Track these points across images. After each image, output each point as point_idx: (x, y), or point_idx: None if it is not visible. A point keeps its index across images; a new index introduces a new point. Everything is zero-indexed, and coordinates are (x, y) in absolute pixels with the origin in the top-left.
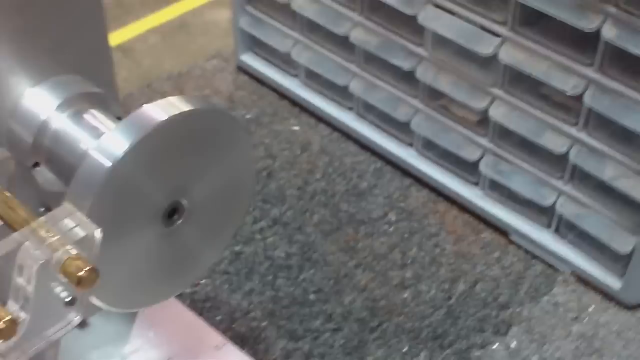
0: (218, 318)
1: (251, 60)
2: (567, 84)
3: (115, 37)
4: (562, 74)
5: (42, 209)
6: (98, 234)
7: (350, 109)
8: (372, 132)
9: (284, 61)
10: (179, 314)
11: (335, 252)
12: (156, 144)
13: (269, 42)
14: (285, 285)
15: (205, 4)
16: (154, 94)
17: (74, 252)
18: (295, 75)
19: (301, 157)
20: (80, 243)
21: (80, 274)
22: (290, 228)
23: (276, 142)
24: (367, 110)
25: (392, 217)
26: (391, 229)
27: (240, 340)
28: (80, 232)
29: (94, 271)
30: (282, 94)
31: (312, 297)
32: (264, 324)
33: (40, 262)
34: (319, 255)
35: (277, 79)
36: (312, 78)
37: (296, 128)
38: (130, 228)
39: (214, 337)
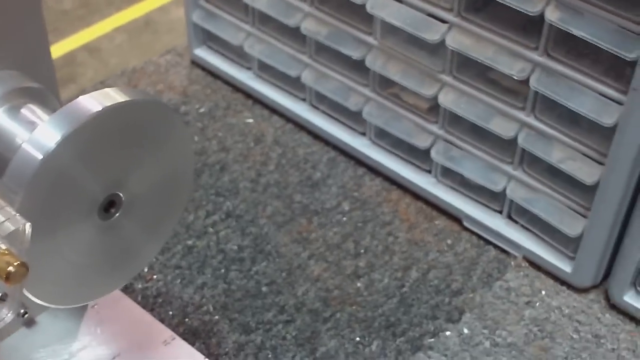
0: (170, 313)
1: (205, 54)
2: (514, 68)
3: (81, 37)
4: (509, 58)
5: None
6: (28, 228)
7: (303, 99)
8: (325, 123)
9: (237, 54)
10: (128, 309)
11: (288, 243)
12: (91, 136)
13: (222, 35)
14: (237, 278)
15: (172, 2)
16: None
17: (3, 247)
18: (249, 68)
19: (255, 150)
20: (10, 237)
21: (9, 268)
22: (243, 221)
23: (230, 135)
24: (320, 101)
25: (345, 206)
26: (345, 218)
27: (193, 335)
28: (9, 227)
29: (23, 266)
30: (236, 87)
31: (264, 289)
32: (216, 317)
33: None
34: (271, 247)
35: (231, 72)
36: (265, 70)
37: (250, 120)
38: (65, 221)
39: (163, 332)
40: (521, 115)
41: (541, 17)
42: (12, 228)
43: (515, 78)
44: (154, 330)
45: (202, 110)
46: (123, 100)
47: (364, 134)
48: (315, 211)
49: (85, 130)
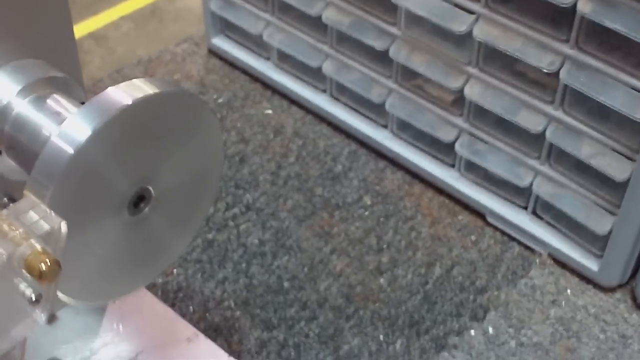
0: (191, 308)
1: (222, 43)
2: (543, 61)
3: (88, 25)
4: (538, 50)
5: (5, 199)
6: (64, 226)
7: (323, 91)
8: (346, 114)
9: (255, 44)
10: (150, 306)
11: (309, 237)
12: (120, 129)
13: (240, 24)
14: (259, 273)
15: None
16: (124, 79)
17: (38, 246)
18: (268, 58)
19: (274, 141)
20: (45, 236)
21: (43, 267)
22: (264, 214)
23: (248, 126)
24: (341, 92)
25: (367, 200)
26: (366, 213)
27: (214, 331)
28: (44, 225)
29: (56, 263)
30: (255, 77)
31: (286, 284)
32: (237, 313)
33: (3, 257)
34: (293, 241)
35: (249, 62)
36: (285, 60)
37: (269, 111)
38: (94, 217)
39: (186, 328)
40: (549, 109)
41: (572, 9)
42: (48, 227)
43: (545, 71)
44: (176, 327)
45: (220, 100)
46: (153, 92)
47: (385, 126)
48: (337, 205)
49: (116, 123)
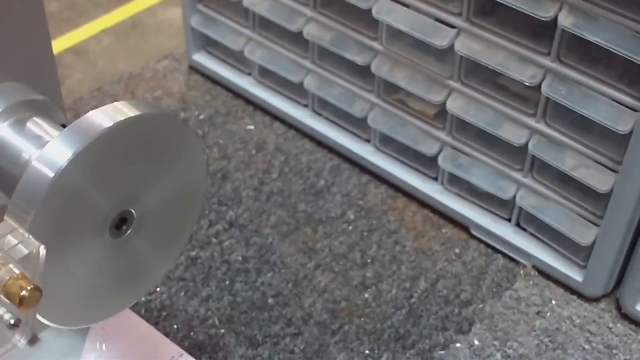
0: (175, 327)
1: (203, 59)
2: (525, 74)
3: (68, 39)
4: (520, 64)
5: None
6: (42, 250)
7: (305, 106)
8: (328, 129)
9: (237, 59)
10: (134, 325)
11: (293, 253)
12: (102, 152)
13: (221, 40)
14: (243, 290)
15: (158, 3)
16: (104, 97)
17: (16, 271)
18: (249, 74)
19: (257, 157)
20: (23, 261)
21: (23, 293)
22: (247, 230)
23: (231, 142)
24: (323, 107)
25: (350, 215)
26: (350, 227)
27: (199, 349)
28: (23, 250)
29: (36, 290)
30: (236, 93)
31: (271, 301)
32: (222, 330)
33: None
34: (277, 257)
35: (231, 78)
36: (266, 76)
37: (251, 127)
38: (76, 240)
39: (171, 348)
40: (532, 121)
41: (553, 22)
42: (26, 251)
43: (527, 84)
44: (161, 347)
45: (201, 117)
46: (134, 114)
47: (368, 140)
48: (320, 220)
49: (97, 146)
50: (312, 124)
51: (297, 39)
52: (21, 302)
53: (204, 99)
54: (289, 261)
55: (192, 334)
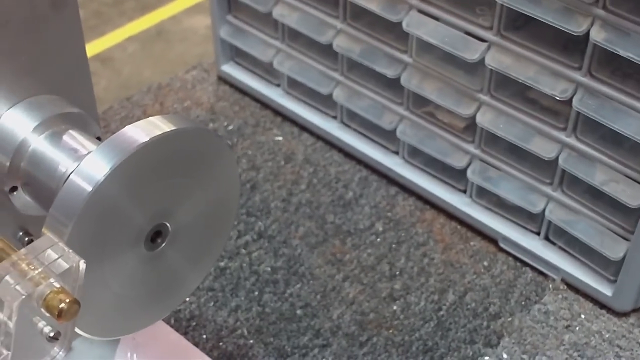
0: (204, 336)
1: (232, 70)
2: (556, 89)
3: (94, 47)
4: (550, 78)
5: (21, 233)
6: (82, 265)
7: (334, 117)
8: (357, 141)
9: (265, 71)
10: (164, 335)
11: (322, 265)
12: (138, 167)
13: (250, 51)
14: (271, 301)
15: (183, 11)
16: (134, 107)
17: (57, 285)
18: (278, 85)
19: (285, 168)
20: (63, 275)
21: (62, 305)
22: (276, 241)
23: (259, 153)
24: (351, 119)
25: (379, 227)
26: (378, 239)
27: (228, 359)
28: (63, 264)
29: (75, 302)
30: (265, 104)
31: (299, 312)
32: (251, 341)
33: (22, 297)
34: (305, 268)
35: (259, 89)
36: (295, 87)
37: (279, 138)
38: (112, 253)
39: (200, 358)
40: (562, 135)
41: (585, 37)
42: (67, 266)
43: (558, 99)
44: (190, 356)
45: (230, 127)
46: (170, 129)
47: (396, 152)
48: (349, 232)
49: (133, 161)
50: (341, 136)
51: (326, 51)
52: (60, 314)
53: (232, 109)
54: (318, 272)
55: (221, 344)
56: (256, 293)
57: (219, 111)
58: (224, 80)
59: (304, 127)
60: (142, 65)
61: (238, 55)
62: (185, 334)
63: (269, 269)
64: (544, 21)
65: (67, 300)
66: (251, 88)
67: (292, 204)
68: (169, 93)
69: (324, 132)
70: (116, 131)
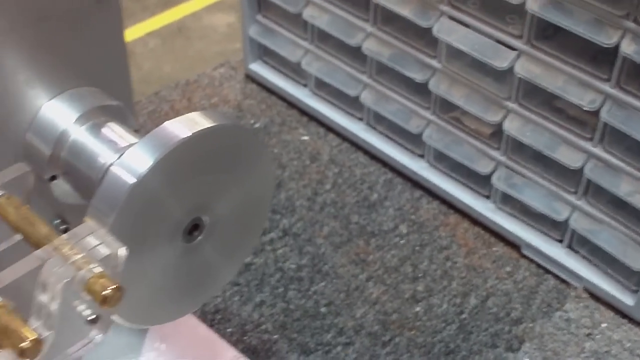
0: (229, 330)
1: (260, 69)
2: (584, 99)
3: None
4: (579, 88)
5: (57, 221)
6: (123, 252)
7: (360, 119)
8: (382, 143)
9: (293, 70)
10: (192, 327)
11: (346, 264)
12: (178, 161)
13: (278, 51)
14: (296, 298)
15: (204, 9)
16: (161, 102)
17: (98, 270)
18: (305, 85)
19: (310, 168)
20: (104, 261)
21: (106, 292)
22: (301, 239)
23: (285, 152)
24: (378, 121)
25: (403, 229)
26: (402, 241)
27: (252, 353)
28: (104, 250)
29: (119, 290)
30: (291, 103)
31: (323, 310)
32: (275, 336)
33: (65, 280)
34: (329, 267)
35: (286, 88)
36: (322, 88)
37: (305, 138)
38: (150, 244)
39: (227, 350)
40: (588, 145)
41: (615, 49)
42: (108, 252)
43: (585, 109)
44: (218, 349)
45: (257, 125)
46: (209, 125)
47: (422, 156)
48: (373, 233)
49: (174, 155)
50: (367, 138)
51: (355, 54)
52: (104, 300)
53: (259, 107)
54: (342, 272)
55: (245, 338)
56: (281, 289)
57: (246, 109)
58: (251, 78)
59: (330, 128)
60: (162, 61)
61: (266, 54)
62: (210, 326)
63: (294, 266)
64: (575, 32)
65: (112, 287)
66: (278, 87)
67: (317, 203)
68: (196, 89)
69: (350, 134)
70: (145, 125)
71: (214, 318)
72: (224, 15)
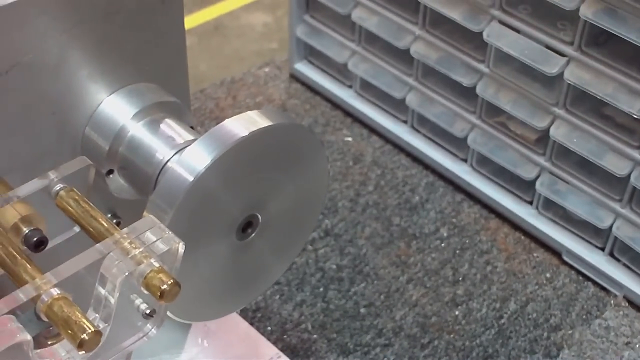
0: (269, 328)
1: (305, 69)
2: (634, 107)
3: None
4: (629, 96)
5: (109, 215)
6: (181, 247)
7: (404, 121)
8: (425, 146)
9: (338, 71)
10: (235, 324)
11: (386, 266)
12: (236, 159)
13: (325, 51)
14: (336, 298)
15: (241, 7)
16: (207, 99)
17: (157, 265)
18: (350, 86)
19: (353, 169)
20: (163, 256)
21: (164, 287)
22: (342, 240)
23: (328, 152)
24: (422, 124)
25: (444, 232)
26: (443, 244)
27: (291, 352)
28: (162, 246)
29: (176, 285)
30: (335, 104)
31: (363, 310)
32: (314, 336)
33: (125, 273)
34: (370, 268)
35: (331, 89)
36: (367, 89)
37: (349, 139)
38: (206, 241)
39: (269, 348)
40: (635, 153)
41: None
42: (166, 247)
43: (635, 117)
44: (260, 346)
45: None
46: (267, 124)
47: (465, 160)
48: (414, 235)
49: (232, 153)
50: (410, 140)
51: (402, 56)
52: (162, 295)
53: (303, 107)
54: (382, 273)
55: (285, 337)
56: (321, 289)
57: (290, 108)
58: (296, 78)
59: (373, 130)
60: (198, 59)
61: (312, 55)
62: (250, 324)
63: (335, 266)
64: (627, 39)
65: (170, 282)
66: (323, 87)
67: (359, 205)
68: (241, 87)
69: (393, 136)
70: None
71: (254, 316)
72: (261, 14)
